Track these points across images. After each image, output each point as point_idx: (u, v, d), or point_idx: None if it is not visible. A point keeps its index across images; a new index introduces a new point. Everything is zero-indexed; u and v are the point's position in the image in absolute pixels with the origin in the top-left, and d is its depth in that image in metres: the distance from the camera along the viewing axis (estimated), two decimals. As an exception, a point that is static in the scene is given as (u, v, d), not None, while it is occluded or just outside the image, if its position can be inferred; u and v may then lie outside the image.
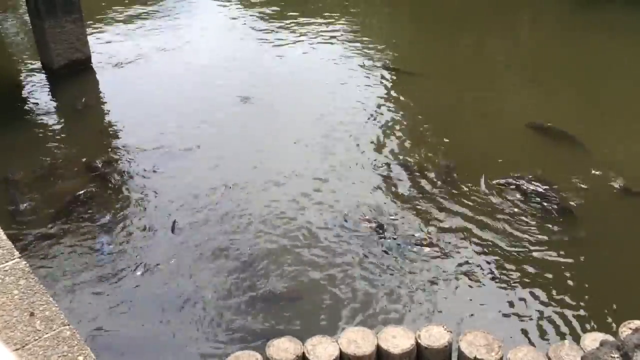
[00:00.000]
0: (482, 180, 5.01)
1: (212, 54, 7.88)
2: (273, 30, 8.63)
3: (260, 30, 8.71)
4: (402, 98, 6.64)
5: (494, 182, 4.99)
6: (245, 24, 9.02)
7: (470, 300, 3.87)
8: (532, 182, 4.95)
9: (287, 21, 8.92)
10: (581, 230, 4.47)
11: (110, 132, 6.11)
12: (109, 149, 5.71)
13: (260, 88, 6.83)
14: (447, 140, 5.70)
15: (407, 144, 5.77)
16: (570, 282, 3.98)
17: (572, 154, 5.46)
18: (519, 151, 5.56)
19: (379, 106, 6.48)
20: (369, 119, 6.18)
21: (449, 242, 4.35)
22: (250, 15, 9.33)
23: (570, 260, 4.16)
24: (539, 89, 6.80)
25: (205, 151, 5.58)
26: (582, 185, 4.94)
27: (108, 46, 8.11)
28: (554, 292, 3.90)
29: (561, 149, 5.54)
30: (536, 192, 4.87)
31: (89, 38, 7.56)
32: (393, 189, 5.01)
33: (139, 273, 4.11)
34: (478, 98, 6.56)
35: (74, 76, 7.13)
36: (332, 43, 8.16)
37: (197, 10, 9.70)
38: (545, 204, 4.75)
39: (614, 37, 8.01)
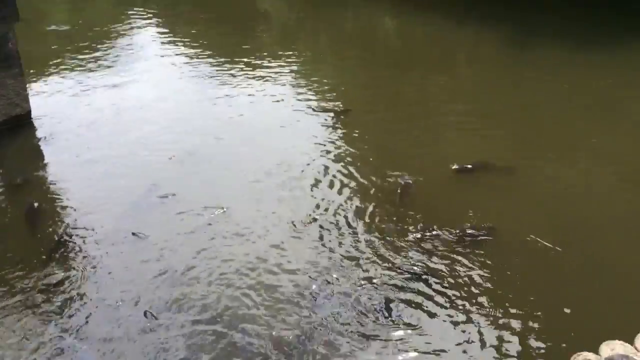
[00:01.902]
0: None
1: (158, 110, 7.68)
2: (221, 78, 8.66)
3: (208, 78, 8.71)
4: (344, 140, 6.75)
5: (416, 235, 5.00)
6: (192, 71, 9.02)
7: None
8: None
9: (236, 67, 8.99)
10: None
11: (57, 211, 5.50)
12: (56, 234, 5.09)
13: (206, 141, 6.76)
14: (391, 180, 5.81)
15: (347, 189, 5.78)
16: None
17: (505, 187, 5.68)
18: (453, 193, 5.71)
19: (323, 149, 6.55)
20: (308, 165, 6.20)
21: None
22: (198, 63, 9.35)
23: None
24: (475, 126, 7.04)
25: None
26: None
27: (49, 100, 7.90)
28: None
29: (494, 182, 5.77)
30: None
31: (29, 92, 7.34)
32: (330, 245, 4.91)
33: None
34: (418, 137, 6.78)
35: (13, 134, 6.85)
36: (281, 85, 8.28)
37: (143, 61, 9.57)
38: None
39: (544, 74, 8.49)
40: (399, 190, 5.63)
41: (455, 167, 5.95)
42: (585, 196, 5.61)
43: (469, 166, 5.96)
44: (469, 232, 4.96)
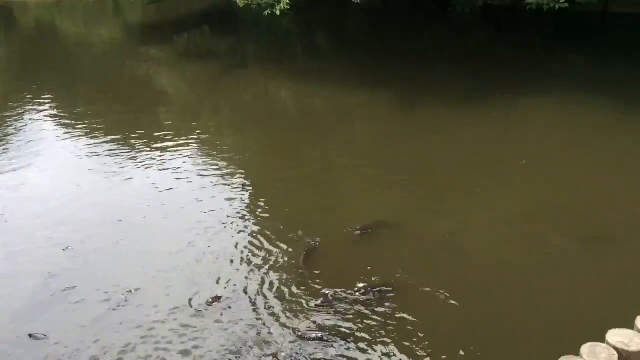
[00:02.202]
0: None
1: (52, 198, 7.48)
2: (121, 160, 8.59)
3: (108, 160, 8.62)
4: (249, 209, 6.88)
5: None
6: (90, 155, 8.87)
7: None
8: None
9: (136, 147, 8.96)
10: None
11: None
12: None
13: (105, 228, 6.64)
14: (296, 244, 5.92)
15: (254, 260, 5.86)
16: None
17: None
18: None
19: (228, 222, 6.61)
20: (211, 241, 6.22)
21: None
22: (96, 145, 9.21)
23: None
24: (375, 184, 7.41)
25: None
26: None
27: None
28: None
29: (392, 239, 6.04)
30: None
31: None
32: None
33: None
34: (321, 198, 7.03)
35: None
36: (183, 162, 8.30)
37: (39, 145, 9.31)
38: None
39: (433, 131, 9.12)
40: (303, 253, 5.77)
41: (357, 232, 6.17)
42: (474, 242, 6.00)
43: (369, 230, 6.20)
44: (371, 290, 5.12)
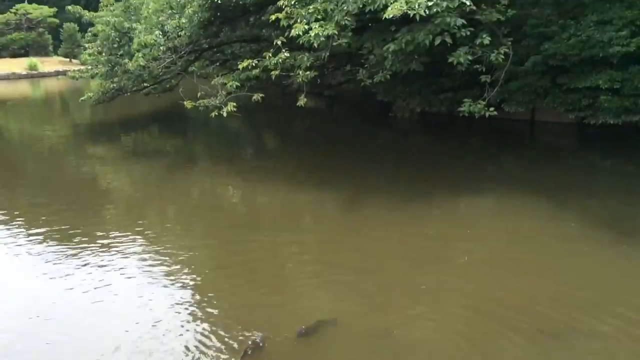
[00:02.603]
0: None
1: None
2: (58, 261, 8.23)
3: (43, 265, 8.23)
4: (194, 310, 6.67)
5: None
6: (15, 258, 8.48)
7: None
8: None
9: (76, 249, 8.64)
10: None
11: None
12: None
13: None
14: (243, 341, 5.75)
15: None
16: None
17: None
18: None
19: (171, 329, 6.39)
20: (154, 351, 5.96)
21: None
22: (24, 245, 8.85)
23: None
24: (322, 282, 7.40)
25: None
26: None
27: None
28: None
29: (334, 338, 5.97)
30: None
31: None
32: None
33: None
34: (267, 295, 6.91)
35: None
36: (121, 266, 8.04)
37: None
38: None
39: (377, 229, 9.31)
40: (247, 351, 5.64)
41: (301, 332, 6.04)
42: (419, 339, 5.98)
43: (312, 331, 6.08)
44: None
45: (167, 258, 8.20)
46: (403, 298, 6.94)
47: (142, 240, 8.97)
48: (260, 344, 5.79)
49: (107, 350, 5.79)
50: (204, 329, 6.23)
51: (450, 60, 10.65)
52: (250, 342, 5.81)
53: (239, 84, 12.94)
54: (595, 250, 8.15)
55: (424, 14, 9.31)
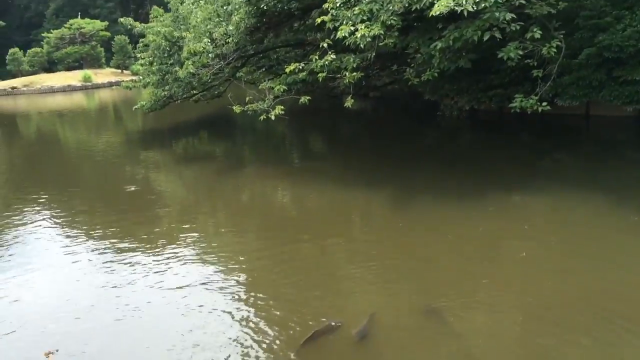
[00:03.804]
0: None
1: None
2: (118, 268, 8.52)
3: (103, 268, 8.53)
4: (253, 311, 6.76)
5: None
6: (85, 260, 8.82)
7: None
8: None
9: (134, 252, 8.92)
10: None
11: None
12: None
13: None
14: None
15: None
16: None
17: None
18: None
19: (232, 329, 6.47)
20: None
21: None
22: (90, 250, 9.19)
23: None
24: (374, 283, 7.36)
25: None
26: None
27: None
28: None
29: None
30: None
31: None
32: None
33: None
34: (321, 298, 6.90)
35: None
36: (182, 266, 8.24)
37: (35, 261, 9.16)
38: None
39: (429, 228, 9.18)
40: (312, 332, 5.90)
41: (356, 336, 6.03)
42: (490, 339, 5.87)
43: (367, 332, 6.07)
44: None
45: (219, 259, 8.37)
46: (460, 292, 6.82)
47: (194, 242, 9.18)
48: (335, 326, 6.03)
49: (162, 356, 5.94)
50: (256, 325, 6.36)
51: (500, 55, 10.42)
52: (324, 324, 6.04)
53: (285, 88, 13.07)
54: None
55: (471, 10, 9.13)
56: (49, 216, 11.25)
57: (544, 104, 10.86)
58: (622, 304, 6.35)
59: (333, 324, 6.15)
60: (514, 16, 9.64)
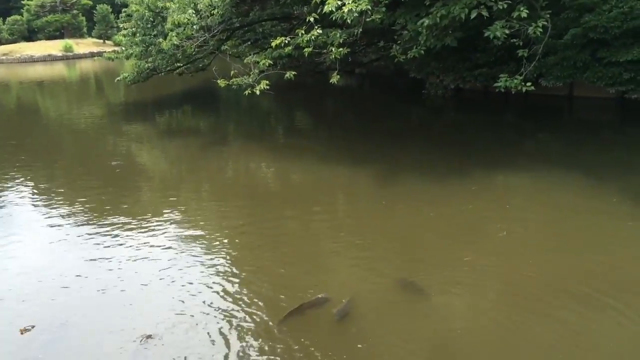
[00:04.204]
0: None
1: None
2: (98, 241, 8.48)
3: (85, 245, 8.48)
4: (235, 284, 6.80)
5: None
6: (64, 232, 8.76)
7: None
8: None
9: (114, 224, 8.88)
10: None
11: None
12: None
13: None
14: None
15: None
16: None
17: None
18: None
19: (214, 302, 6.52)
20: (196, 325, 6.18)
21: None
22: (71, 222, 9.12)
23: None
24: (357, 257, 7.44)
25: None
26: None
27: None
28: None
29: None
30: None
31: None
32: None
33: None
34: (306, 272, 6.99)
35: None
36: (165, 238, 8.23)
37: (16, 232, 9.06)
38: None
39: (413, 205, 9.27)
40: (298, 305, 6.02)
41: (341, 314, 6.05)
42: (470, 316, 5.97)
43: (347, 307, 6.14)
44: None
45: (203, 233, 8.38)
46: (441, 270, 6.92)
47: (177, 217, 9.15)
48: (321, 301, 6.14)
49: (148, 325, 5.97)
50: (239, 298, 6.40)
51: (486, 34, 10.42)
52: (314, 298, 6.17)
53: (271, 62, 12.95)
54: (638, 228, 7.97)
55: (459, -13, 9.10)
56: (31, 189, 11.12)
57: (529, 84, 10.92)
58: (600, 283, 6.48)
59: (321, 296, 6.22)
60: (502, -6, 9.62)
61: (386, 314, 6.09)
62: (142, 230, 8.58)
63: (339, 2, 10.13)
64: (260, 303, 6.31)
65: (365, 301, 6.29)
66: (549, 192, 9.54)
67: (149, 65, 18.33)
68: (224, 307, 6.29)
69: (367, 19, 10.62)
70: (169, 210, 9.39)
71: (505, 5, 9.80)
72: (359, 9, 9.92)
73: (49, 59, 47.90)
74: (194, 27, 14.94)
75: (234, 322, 5.98)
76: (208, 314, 6.17)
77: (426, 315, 6.04)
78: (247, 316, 6.08)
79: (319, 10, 10.74)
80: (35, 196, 10.62)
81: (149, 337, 5.70)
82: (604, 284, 6.46)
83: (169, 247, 7.91)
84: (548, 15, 10.96)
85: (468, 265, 7.00)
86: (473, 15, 9.77)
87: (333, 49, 11.29)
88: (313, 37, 11.09)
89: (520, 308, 6.09)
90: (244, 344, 5.60)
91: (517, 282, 6.64)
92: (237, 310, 6.19)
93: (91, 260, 7.64)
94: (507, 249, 7.49)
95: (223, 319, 6.04)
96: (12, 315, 6.31)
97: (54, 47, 50.20)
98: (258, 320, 6.00)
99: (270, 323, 5.91)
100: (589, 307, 6.03)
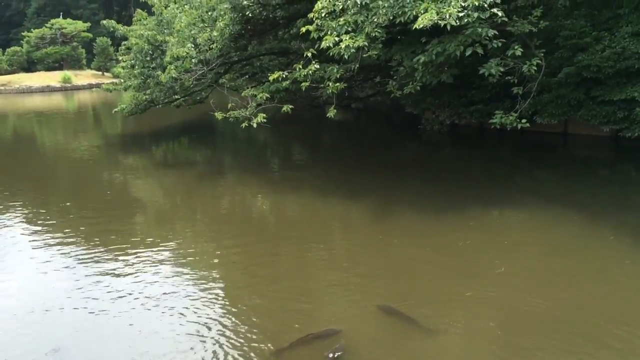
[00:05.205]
0: None
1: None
2: (90, 272, 8.35)
3: (76, 277, 8.35)
4: (226, 317, 6.68)
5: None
6: (60, 265, 8.63)
7: None
8: None
9: (107, 260, 8.76)
10: None
11: None
12: None
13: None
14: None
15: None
16: None
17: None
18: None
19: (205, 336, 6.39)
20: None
21: None
22: (68, 255, 9.00)
23: None
24: (353, 291, 7.34)
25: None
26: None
27: None
28: None
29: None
30: None
31: None
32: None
33: None
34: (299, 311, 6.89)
35: None
36: (155, 273, 8.11)
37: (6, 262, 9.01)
38: None
39: (408, 239, 9.19)
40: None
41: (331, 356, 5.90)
42: (465, 349, 5.86)
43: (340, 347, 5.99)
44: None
45: (196, 265, 8.27)
46: (439, 305, 6.84)
47: (171, 249, 9.06)
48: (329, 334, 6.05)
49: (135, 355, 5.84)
50: (233, 329, 6.31)
51: (481, 71, 10.56)
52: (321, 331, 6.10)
53: (268, 96, 13.05)
54: (636, 265, 7.92)
55: (455, 24, 9.24)
56: (24, 219, 11.02)
57: (524, 121, 11.02)
58: (596, 317, 6.43)
59: (331, 329, 6.14)
60: (496, 33, 9.78)
61: (381, 349, 5.97)
62: (135, 262, 8.45)
63: (337, 38, 10.27)
64: (252, 337, 6.20)
65: (360, 336, 6.17)
66: (546, 229, 9.50)
67: (147, 97, 18.43)
68: (218, 339, 6.18)
69: (364, 55, 10.76)
70: (162, 242, 9.29)
71: (500, 44, 9.95)
72: (356, 45, 10.05)
73: (48, 89, 48.22)
74: (193, 60, 15.09)
75: (230, 353, 5.88)
76: (202, 343, 6.07)
77: (422, 351, 5.92)
78: (241, 346, 5.98)
79: (316, 46, 10.88)
80: (28, 227, 10.49)
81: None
82: (599, 317, 6.40)
83: (161, 280, 7.79)
84: (542, 54, 11.15)
85: (466, 300, 6.91)
86: (468, 52, 9.90)
87: (330, 84, 11.40)
88: (310, 71, 11.20)
89: (516, 342, 5.98)
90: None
91: (514, 316, 6.55)
92: (230, 343, 6.09)
93: (80, 290, 7.52)
94: (504, 285, 7.40)
95: (217, 351, 5.94)
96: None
97: (53, 78, 50.61)
98: (252, 353, 5.88)
99: (265, 354, 5.78)
100: (585, 342, 5.94)
